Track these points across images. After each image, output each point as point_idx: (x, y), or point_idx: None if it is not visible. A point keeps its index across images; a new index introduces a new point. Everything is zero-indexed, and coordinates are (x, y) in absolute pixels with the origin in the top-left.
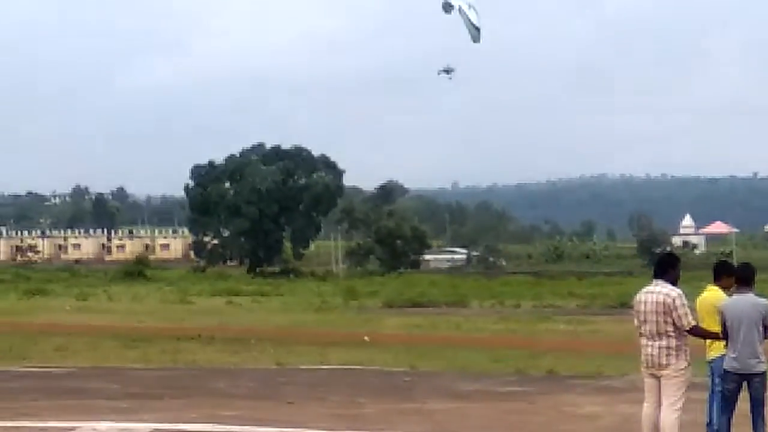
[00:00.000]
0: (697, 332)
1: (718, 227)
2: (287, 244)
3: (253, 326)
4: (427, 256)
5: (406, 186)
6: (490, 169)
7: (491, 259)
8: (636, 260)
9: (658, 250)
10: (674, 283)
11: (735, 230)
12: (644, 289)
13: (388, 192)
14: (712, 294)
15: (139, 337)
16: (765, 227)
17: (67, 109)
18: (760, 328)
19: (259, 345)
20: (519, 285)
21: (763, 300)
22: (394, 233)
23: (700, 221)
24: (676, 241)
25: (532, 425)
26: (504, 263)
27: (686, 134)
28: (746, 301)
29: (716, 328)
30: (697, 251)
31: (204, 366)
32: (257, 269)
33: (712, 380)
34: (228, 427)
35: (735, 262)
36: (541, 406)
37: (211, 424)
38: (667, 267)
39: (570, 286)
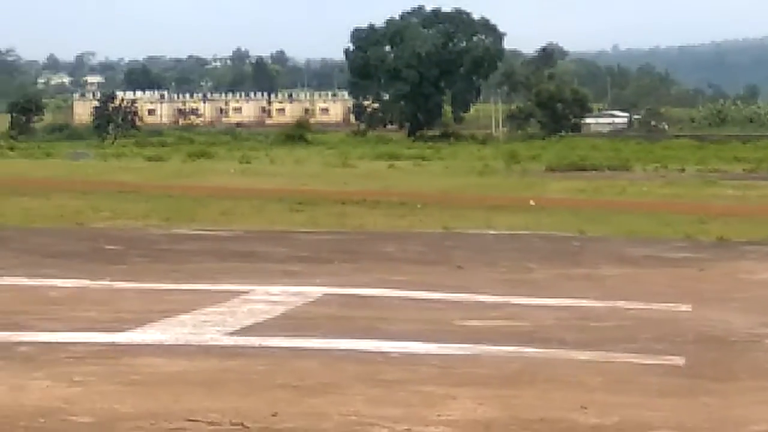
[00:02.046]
0: None
1: None
2: (447, 108)
3: (416, 190)
4: (588, 120)
5: (566, 49)
6: (652, 31)
7: (653, 122)
8: None
9: None
10: None
11: None
12: None
13: (549, 55)
14: None
15: (304, 200)
16: None
17: None
18: None
19: (425, 209)
20: (682, 149)
21: None
22: (554, 96)
23: None
24: None
25: (706, 292)
26: (666, 127)
27: None
28: None
29: None
30: None
31: (371, 230)
32: (417, 133)
33: None
34: (399, 292)
35: None
36: (715, 272)
37: (382, 289)
38: None
39: (735, 150)
